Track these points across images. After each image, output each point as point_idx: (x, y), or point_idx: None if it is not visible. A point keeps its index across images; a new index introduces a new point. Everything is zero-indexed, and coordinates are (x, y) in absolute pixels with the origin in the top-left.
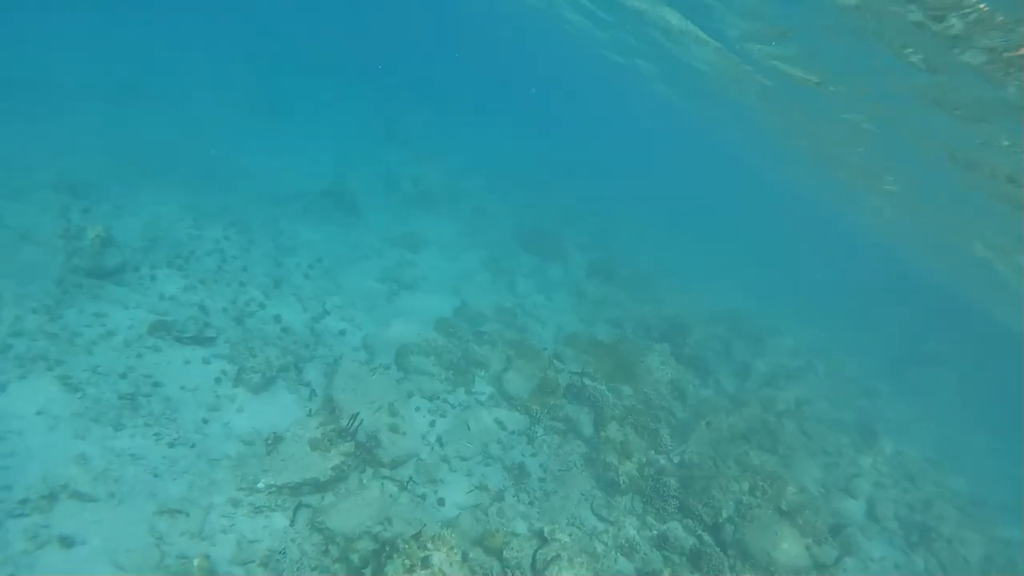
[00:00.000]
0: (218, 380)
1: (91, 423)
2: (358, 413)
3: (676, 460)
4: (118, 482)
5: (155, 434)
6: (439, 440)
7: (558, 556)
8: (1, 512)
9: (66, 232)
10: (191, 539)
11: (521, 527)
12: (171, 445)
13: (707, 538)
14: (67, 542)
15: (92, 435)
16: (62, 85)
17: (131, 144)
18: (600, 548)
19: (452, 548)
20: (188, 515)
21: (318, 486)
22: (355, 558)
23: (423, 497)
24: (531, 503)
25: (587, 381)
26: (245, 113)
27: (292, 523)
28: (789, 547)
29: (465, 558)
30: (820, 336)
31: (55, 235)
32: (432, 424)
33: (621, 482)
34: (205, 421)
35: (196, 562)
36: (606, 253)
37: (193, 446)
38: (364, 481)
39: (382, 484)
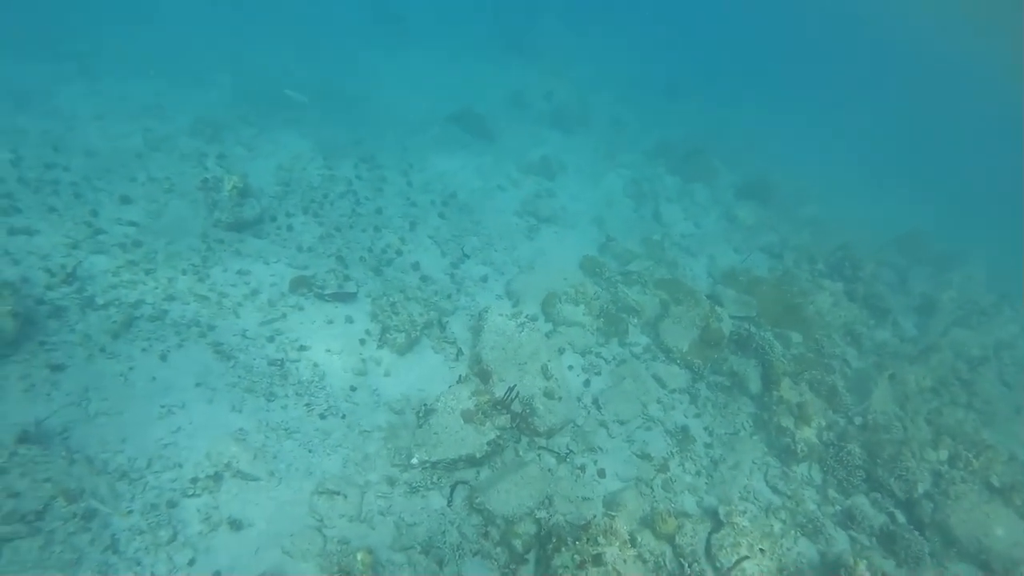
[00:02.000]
0: (363, 341)
1: (245, 394)
2: (514, 386)
3: (858, 422)
4: (276, 459)
5: (306, 404)
6: (595, 402)
7: (736, 543)
8: (176, 491)
9: (205, 184)
10: (350, 522)
11: (689, 502)
12: (322, 416)
13: (900, 517)
14: (236, 525)
15: (247, 407)
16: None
17: (261, 81)
18: (778, 527)
19: (625, 543)
20: (346, 497)
21: (474, 462)
22: (517, 544)
23: (582, 469)
24: (698, 473)
25: (752, 329)
26: (369, 36)
27: (450, 503)
28: (1006, 533)
29: (633, 542)
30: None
31: (195, 187)
32: (587, 384)
33: (799, 449)
34: (353, 388)
35: (359, 556)
36: (756, 170)
37: (343, 417)
38: (520, 453)
39: (539, 456)
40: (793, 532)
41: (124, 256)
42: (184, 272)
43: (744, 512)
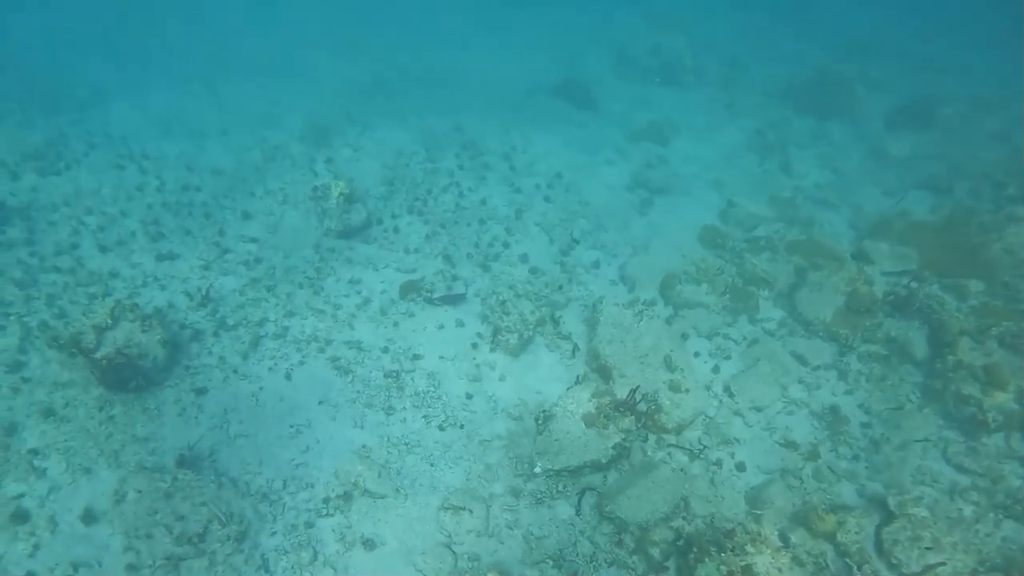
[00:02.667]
0: (475, 345)
1: (365, 409)
2: (636, 387)
3: None
4: (400, 475)
5: (424, 416)
6: (727, 389)
7: (916, 537)
8: (311, 512)
9: (314, 193)
10: (479, 537)
11: (849, 492)
12: (441, 428)
13: None
14: (369, 544)
15: (368, 422)
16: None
17: (364, 74)
18: (969, 511)
19: (778, 549)
20: (472, 511)
21: (599, 467)
22: (655, 552)
23: (718, 464)
24: (855, 457)
25: (913, 285)
26: (460, 5)
27: (578, 512)
28: None
29: (786, 544)
30: None
31: (306, 196)
32: (716, 370)
33: (990, 419)
34: (469, 396)
35: None
36: (913, 89)
37: (462, 427)
38: (648, 453)
39: (669, 455)
40: (992, 515)
41: (248, 274)
42: (301, 286)
43: (921, 498)
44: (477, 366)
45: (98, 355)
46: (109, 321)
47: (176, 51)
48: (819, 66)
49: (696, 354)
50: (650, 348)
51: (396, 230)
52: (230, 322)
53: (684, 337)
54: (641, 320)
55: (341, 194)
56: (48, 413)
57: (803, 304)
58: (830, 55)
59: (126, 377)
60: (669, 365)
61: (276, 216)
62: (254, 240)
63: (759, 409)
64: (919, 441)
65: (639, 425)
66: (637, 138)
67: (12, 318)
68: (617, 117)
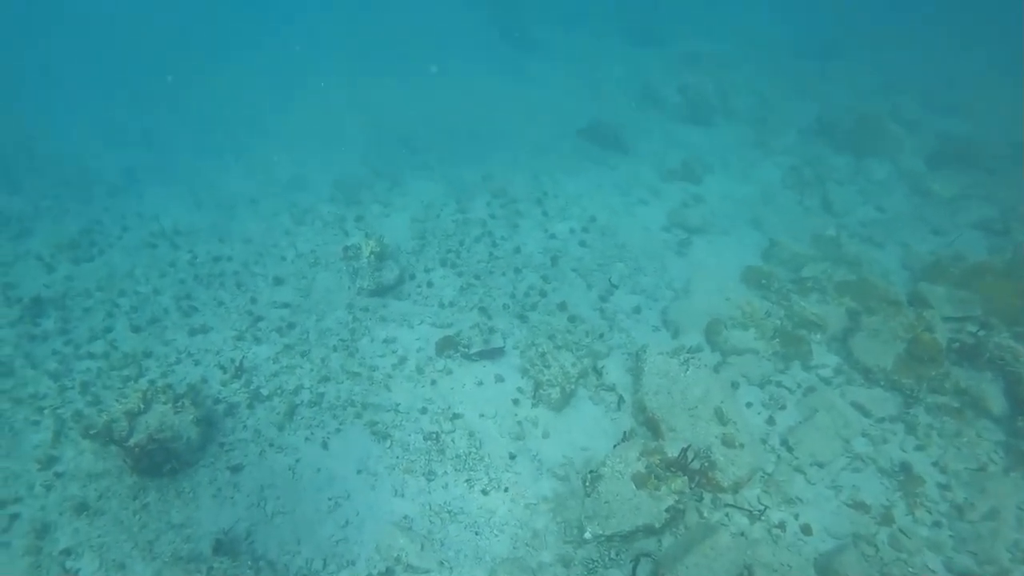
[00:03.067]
0: (516, 401)
1: (405, 475)
2: (688, 447)
3: None
4: (444, 546)
5: (467, 480)
6: (784, 443)
7: None
8: None
9: (345, 253)
10: None
11: (934, 564)
12: (484, 492)
13: None
14: None
15: (409, 490)
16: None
17: (388, 129)
18: None
19: None
20: None
21: (653, 531)
22: None
23: (782, 527)
24: (936, 524)
25: (980, 333)
26: (483, 60)
27: None
28: None
29: None
30: None
31: (338, 256)
32: (770, 421)
33: None
34: (512, 456)
35: None
36: (957, 124)
37: (506, 490)
38: (704, 514)
39: (727, 516)
40: None
41: (281, 341)
42: (335, 349)
43: None
44: (519, 423)
45: (131, 443)
46: (141, 406)
47: (205, 126)
48: (852, 105)
49: (748, 404)
50: (699, 399)
51: (430, 284)
52: (264, 392)
53: (734, 386)
54: (688, 369)
55: (372, 252)
56: (81, 508)
57: (860, 350)
58: (858, 94)
59: (160, 462)
60: (721, 417)
61: (308, 279)
62: (286, 305)
63: (821, 465)
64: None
65: (693, 485)
66: (670, 177)
67: (46, 411)
68: (648, 157)
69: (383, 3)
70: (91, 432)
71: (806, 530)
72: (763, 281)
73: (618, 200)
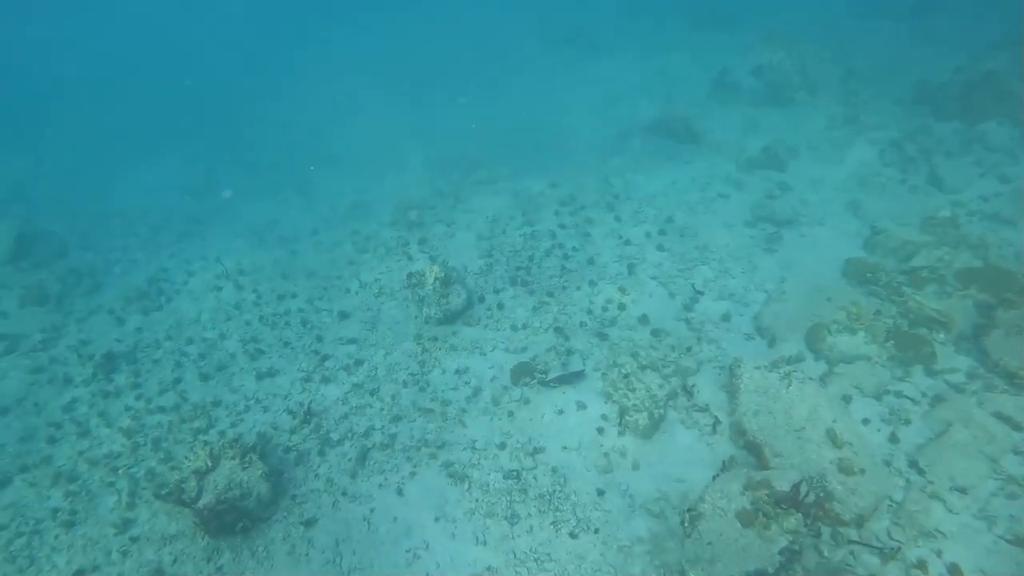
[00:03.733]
0: (600, 430)
1: (486, 520)
2: (800, 482)
3: None
4: None
5: (552, 522)
6: (914, 464)
7: None
8: None
9: (409, 281)
10: None
11: None
12: (573, 535)
13: None
14: None
15: (491, 536)
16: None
17: (447, 146)
18: None
19: None
20: None
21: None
22: None
23: (922, 567)
24: None
25: None
26: (542, 62)
27: None
28: None
29: None
30: None
31: (401, 283)
32: (893, 439)
33: None
34: (600, 492)
35: None
36: None
37: (596, 531)
38: (825, 554)
39: (852, 555)
40: None
41: (349, 379)
42: (405, 384)
43: None
44: (606, 455)
45: (200, 505)
46: (209, 463)
47: (264, 165)
48: (960, 65)
49: (865, 421)
50: (806, 419)
51: (500, 306)
52: (335, 437)
53: (846, 400)
54: (790, 384)
55: (436, 279)
56: (157, 574)
57: (998, 350)
58: (964, 52)
59: (231, 521)
60: (833, 439)
61: (373, 311)
62: (353, 341)
63: (964, 490)
64: None
65: (809, 521)
66: (751, 167)
67: (120, 472)
68: (725, 147)
69: (434, 23)
70: (162, 492)
71: (955, 571)
72: (868, 275)
73: (696, 196)
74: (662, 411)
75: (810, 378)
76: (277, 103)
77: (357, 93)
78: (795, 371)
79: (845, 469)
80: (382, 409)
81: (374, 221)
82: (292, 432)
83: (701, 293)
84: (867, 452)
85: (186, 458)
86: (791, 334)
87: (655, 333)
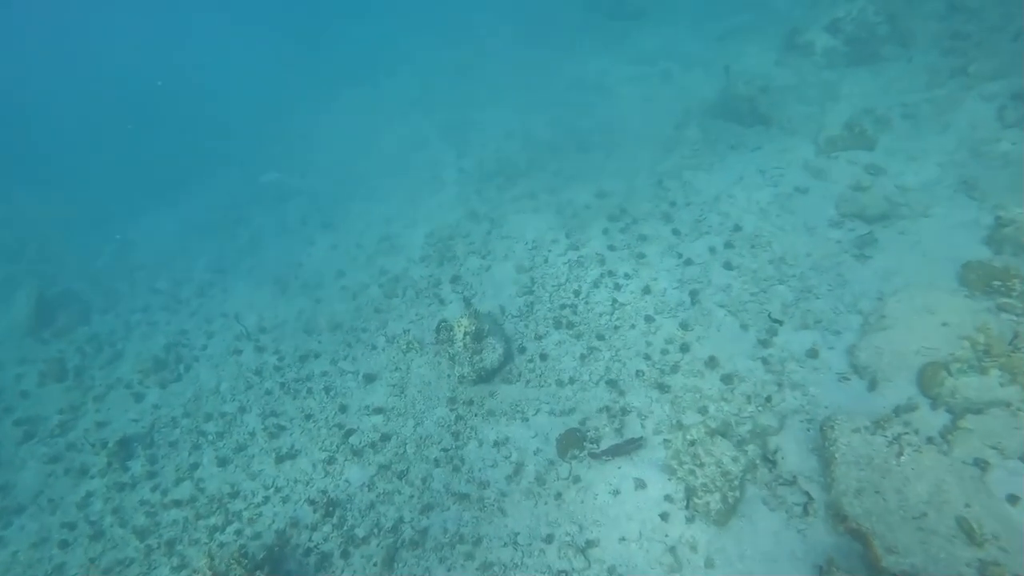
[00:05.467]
0: (664, 516)
1: None
2: None
3: None
4: None
5: None
6: None
7: None
8: None
9: (438, 335)
10: None
11: None
12: None
13: None
14: None
15: None
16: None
17: (480, 164)
18: None
19: None
20: None
21: None
22: None
23: None
24: None
25: None
26: (586, 38)
27: None
28: None
29: None
30: None
31: (432, 335)
32: None
33: None
34: None
35: None
36: None
37: None
38: None
39: None
40: None
41: (376, 459)
42: (437, 463)
43: None
44: (672, 548)
45: None
46: None
47: (286, 199)
48: None
49: (1013, 499)
50: (927, 501)
51: (543, 357)
52: (360, 533)
53: (981, 467)
54: (901, 453)
55: (466, 334)
56: None
57: None
58: None
59: None
60: (969, 532)
61: (402, 371)
62: (379, 411)
63: None
64: None
65: None
66: (832, 148)
67: None
68: (799, 125)
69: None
70: None
71: None
72: (996, 283)
73: (767, 194)
74: (738, 492)
75: (928, 441)
76: (296, 125)
77: (382, 111)
78: (907, 433)
79: (989, 574)
80: (411, 496)
81: (403, 257)
82: (313, 529)
83: (780, 322)
84: (1020, 546)
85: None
86: (898, 373)
87: (726, 379)
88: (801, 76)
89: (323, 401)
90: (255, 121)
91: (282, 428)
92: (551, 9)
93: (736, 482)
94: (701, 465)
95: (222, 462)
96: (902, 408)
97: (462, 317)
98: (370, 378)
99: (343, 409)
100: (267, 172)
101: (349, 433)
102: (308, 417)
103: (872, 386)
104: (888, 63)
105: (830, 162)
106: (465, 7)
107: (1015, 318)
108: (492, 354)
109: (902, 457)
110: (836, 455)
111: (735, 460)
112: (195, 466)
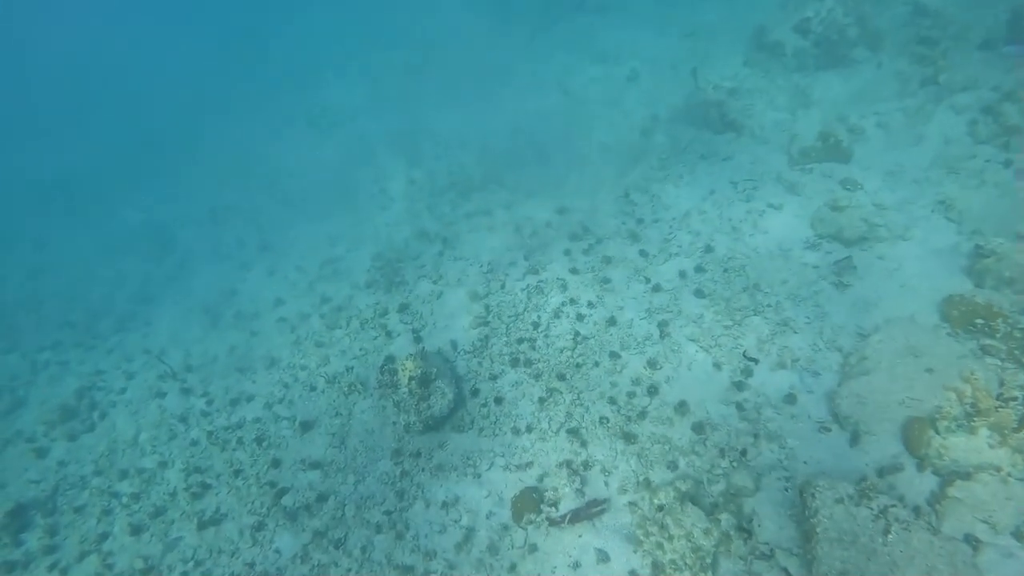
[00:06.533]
0: None
1: None
2: None
3: None
4: None
5: None
6: None
7: None
8: None
9: (381, 378)
10: None
11: None
12: None
13: None
14: None
15: None
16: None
17: (431, 177)
18: None
19: None
20: None
21: None
22: None
23: None
24: None
25: None
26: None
27: None
28: None
29: None
30: None
31: (376, 379)
32: None
33: None
34: None
35: None
36: None
37: None
38: None
39: None
40: None
41: (311, 524)
42: (379, 528)
43: None
44: None
45: None
46: None
47: (223, 204)
48: None
49: None
50: None
51: (498, 400)
52: None
53: (972, 545)
54: (888, 530)
55: (411, 379)
56: None
57: None
58: None
59: None
60: None
61: (343, 416)
62: (316, 465)
63: None
64: None
65: None
66: (805, 159)
67: None
68: (771, 133)
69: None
70: None
71: None
72: (978, 321)
73: (740, 210)
74: (710, 573)
75: (915, 513)
76: (229, 120)
77: (330, 101)
78: (894, 506)
79: None
80: (349, 570)
81: (347, 283)
82: None
83: (755, 361)
84: None
85: None
86: (881, 426)
87: (697, 428)
88: (771, 79)
89: (255, 453)
90: (186, 128)
91: (207, 487)
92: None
93: (708, 559)
94: (670, 538)
95: (136, 530)
96: (886, 469)
97: (407, 360)
98: (307, 426)
99: (276, 464)
100: None
101: (282, 492)
102: (237, 473)
103: (854, 440)
104: (858, 67)
105: (804, 175)
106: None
107: (999, 363)
108: (441, 400)
109: (889, 536)
110: (817, 529)
111: (707, 533)
112: (104, 536)
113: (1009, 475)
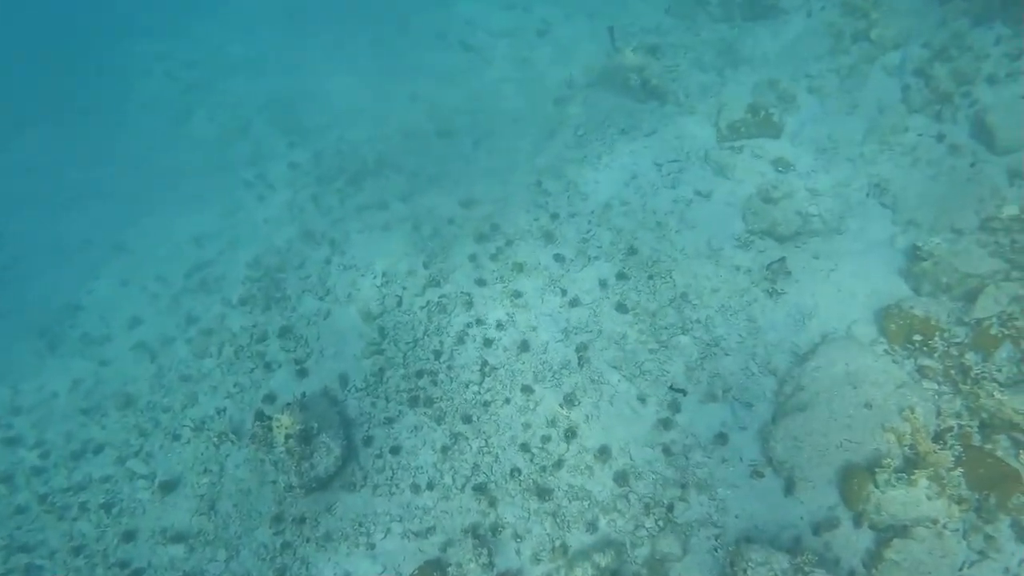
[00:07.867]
0: None
1: None
2: None
3: None
4: None
5: None
6: None
7: None
8: None
9: (253, 437)
10: None
11: None
12: None
13: None
14: None
15: None
16: None
17: (318, 162)
18: None
19: None
20: None
21: None
22: None
23: None
24: None
25: None
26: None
27: None
28: None
29: None
30: None
31: (250, 432)
32: None
33: None
34: None
35: None
36: None
37: None
38: None
39: None
40: None
41: None
42: None
43: None
44: None
45: None
46: None
47: (63, 198)
48: None
49: None
50: None
51: (395, 450)
52: None
53: None
54: None
55: (288, 436)
56: None
57: None
58: None
59: None
60: None
61: (213, 474)
62: (180, 538)
63: None
64: None
65: None
66: (735, 135)
67: None
68: (697, 101)
69: None
70: None
71: None
72: (916, 337)
73: (666, 200)
74: None
75: None
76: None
77: (193, 60)
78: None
79: None
80: None
81: (218, 298)
82: None
83: (683, 392)
84: None
85: None
86: (818, 471)
87: (620, 478)
88: (695, 31)
89: (102, 524)
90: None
91: (35, 571)
92: None
93: None
94: None
95: None
96: (823, 525)
97: (282, 414)
98: (169, 486)
99: (129, 536)
100: None
101: (136, 575)
102: (77, 551)
103: (789, 488)
104: (787, 17)
105: (734, 155)
106: None
107: (936, 387)
108: (327, 458)
109: None
110: None
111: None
112: None
113: (944, 527)
